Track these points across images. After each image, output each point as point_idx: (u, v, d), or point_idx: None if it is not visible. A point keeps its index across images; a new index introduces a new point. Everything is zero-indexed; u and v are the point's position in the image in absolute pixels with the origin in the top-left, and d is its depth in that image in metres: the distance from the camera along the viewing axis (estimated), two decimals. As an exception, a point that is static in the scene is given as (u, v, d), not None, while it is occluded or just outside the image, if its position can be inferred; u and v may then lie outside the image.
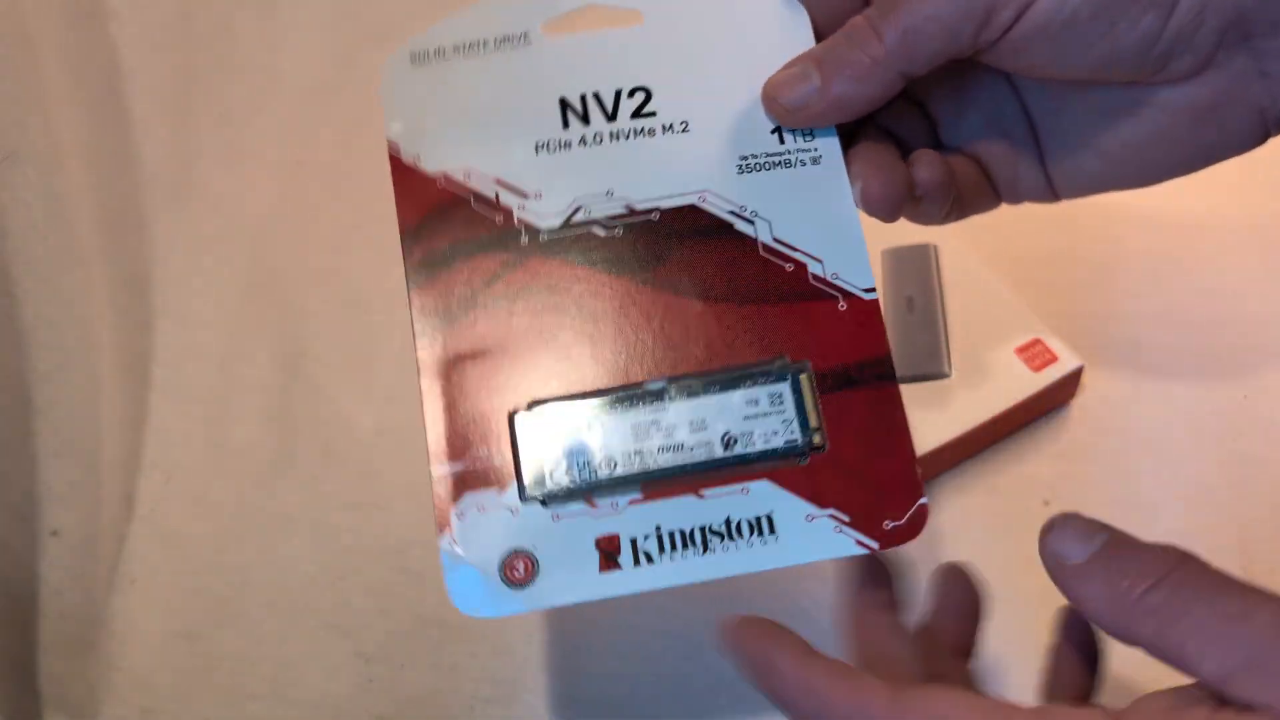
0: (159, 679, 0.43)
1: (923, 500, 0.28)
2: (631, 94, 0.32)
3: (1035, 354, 0.45)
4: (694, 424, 0.29)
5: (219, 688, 0.43)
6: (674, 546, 0.28)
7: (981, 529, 0.44)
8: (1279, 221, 0.52)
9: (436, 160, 0.31)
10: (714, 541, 0.28)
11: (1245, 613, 0.23)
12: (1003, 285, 0.47)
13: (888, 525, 0.28)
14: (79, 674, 0.43)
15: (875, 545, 0.28)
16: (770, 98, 0.32)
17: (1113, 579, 0.25)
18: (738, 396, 0.29)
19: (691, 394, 0.29)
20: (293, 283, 0.54)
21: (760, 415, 0.29)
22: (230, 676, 0.43)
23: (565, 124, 0.32)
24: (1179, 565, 0.24)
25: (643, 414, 0.29)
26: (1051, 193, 0.35)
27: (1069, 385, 0.46)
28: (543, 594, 0.28)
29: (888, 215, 0.32)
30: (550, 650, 0.43)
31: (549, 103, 0.32)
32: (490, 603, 0.28)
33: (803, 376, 0.29)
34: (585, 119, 0.32)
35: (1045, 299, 0.48)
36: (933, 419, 0.44)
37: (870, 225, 0.32)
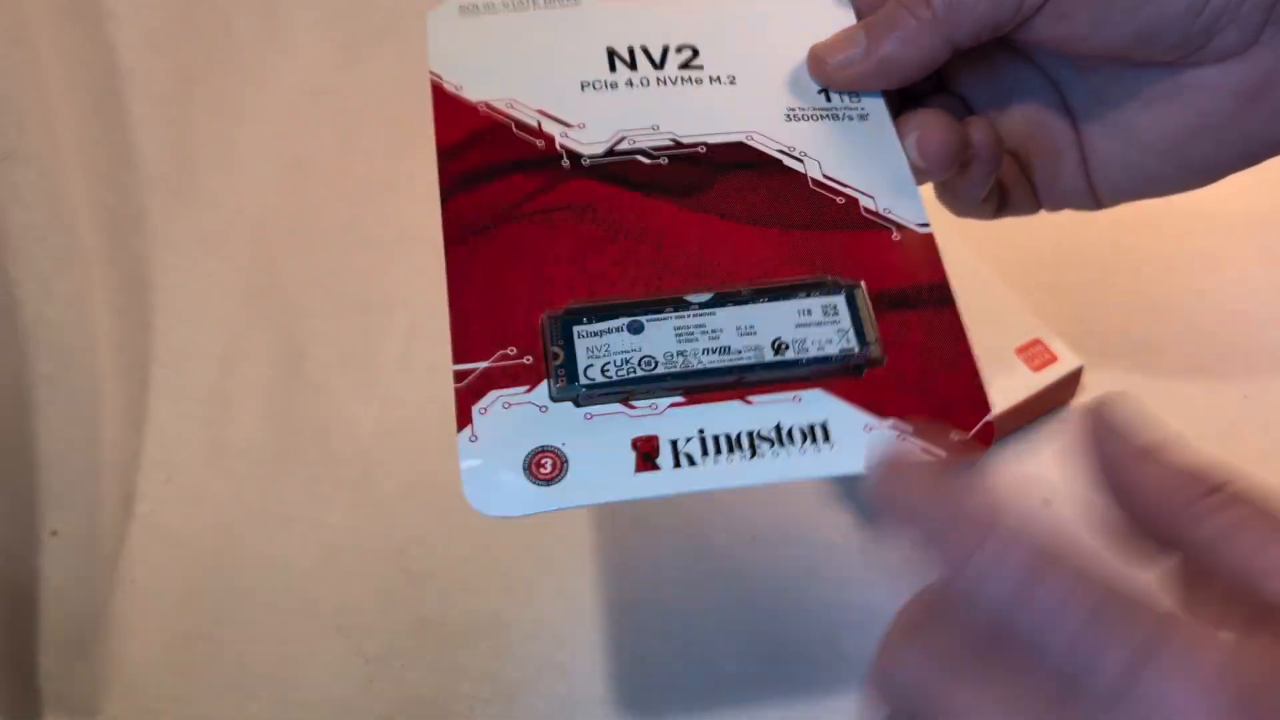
0: (159, 679, 0.43)
1: (989, 417, 0.26)
2: (679, 50, 0.32)
3: (1035, 354, 0.45)
4: (741, 329, 0.27)
5: (219, 688, 0.43)
6: (718, 450, 0.26)
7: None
8: (1279, 221, 0.52)
9: (480, 90, 0.31)
10: (763, 447, 0.26)
11: None
12: (1003, 285, 0.47)
13: (955, 437, 0.26)
14: (79, 674, 0.43)
15: (943, 454, 0.26)
16: (816, 58, 0.32)
17: (1171, 472, 0.22)
18: (788, 306, 0.28)
19: (739, 302, 0.28)
20: (293, 283, 0.54)
21: (813, 324, 0.27)
22: (230, 676, 0.43)
23: (612, 68, 0.32)
24: (1235, 480, 0.22)
25: (687, 319, 0.27)
26: (1092, 196, 0.34)
27: (1069, 385, 0.46)
28: (572, 492, 0.25)
29: (943, 166, 0.31)
30: (549, 651, 0.43)
31: (596, 51, 0.32)
32: (514, 500, 0.25)
33: (857, 291, 0.28)
34: (632, 65, 0.32)
35: (1045, 299, 0.48)
36: (933, 419, 0.44)
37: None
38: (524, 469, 0.25)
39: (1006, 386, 0.45)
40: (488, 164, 0.30)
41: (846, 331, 0.27)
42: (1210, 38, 0.29)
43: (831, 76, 0.32)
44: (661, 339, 0.27)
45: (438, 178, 0.30)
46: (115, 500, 0.47)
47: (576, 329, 0.27)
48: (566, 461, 0.26)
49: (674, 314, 0.27)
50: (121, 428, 0.48)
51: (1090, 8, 0.29)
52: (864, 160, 0.30)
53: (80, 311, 0.47)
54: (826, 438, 0.26)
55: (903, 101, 0.33)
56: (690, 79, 0.32)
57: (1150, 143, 0.32)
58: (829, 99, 0.32)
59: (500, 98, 0.31)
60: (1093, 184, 0.34)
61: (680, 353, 0.27)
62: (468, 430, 0.26)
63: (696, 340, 0.27)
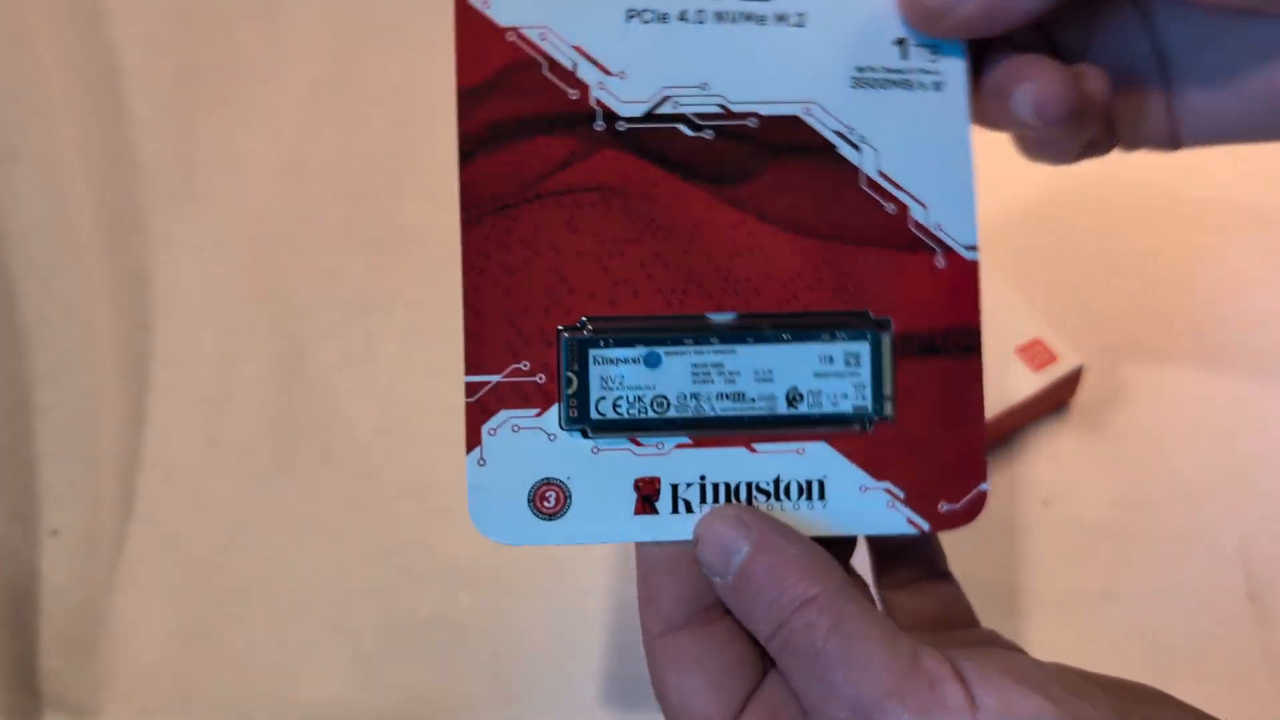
0: (159, 679, 0.43)
1: (983, 486, 0.27)
2: None
3: (1035, 354, 0.45)
4: (759, 374, 0.27)
5: (219, 688, 0.43)
6: (716, 499, 0.27)
7: (981, 529, 0.44)
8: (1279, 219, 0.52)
9: (510, 10, 0.27)
10: (759, 499, 0.27)
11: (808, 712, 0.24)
12: (1003, 285, 0.47)
13: (943, 507, 0.27)
14: (79, 674, 0.43)
15: (926, 526, 0.27)
16: None
17: (746, 616, 0.25)
18: (812, 350, 0.27)
19: (761, 339, 0.27)
20: (293, 283, 0.54)
21: (832, 375, 0.27)
22: (230, 676, 0.43)
23: None
24: (794, 612, 0.24)
25: (706, 355, 0.27)
26: (1173, 139, 0.31)
27: (1069, 385, 0.46)
28: (572, 529, 0.27)
29: (1062, 121, 0.27)
30: (550, 650, 0.43)
31: None
32: (516, 531, 0.27)
33: (884, 338, 0.28)
34: None
35: (1045, 298, 0.48)
36: (933, 419, 0.44)
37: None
38: (528, 500, 0.27)
39: (1006, 386, 0.45)
40: (514, 117, 0.27)
41: (864, 387, 0.27)
42: None
43: (929, 23, 0.27)
44: (677, 377, 0.27)
45: (457, 126, 0.27)
46: (115, 500, 0.47)
47: (593, 353, 0.27)
48: (570, 497, 0.27)
49: (693, 347, 0.27)
50: (121, 428, 0.48)
51: None
52: (926, 151, 0.28)
53: (80, 311, 0.47)
54: (822, 495, 0.27)
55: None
56: (753, 15, 0.28)
57: (1255, 93, 0.29)
58: (905, 56, 0.28)
59: (533, 24, 0.27)
60: (1176, 130, 0.30)
61: (694, 395, 0.27)
62: (477, 452, 0.27)
63: (712, 382, 0.27)
